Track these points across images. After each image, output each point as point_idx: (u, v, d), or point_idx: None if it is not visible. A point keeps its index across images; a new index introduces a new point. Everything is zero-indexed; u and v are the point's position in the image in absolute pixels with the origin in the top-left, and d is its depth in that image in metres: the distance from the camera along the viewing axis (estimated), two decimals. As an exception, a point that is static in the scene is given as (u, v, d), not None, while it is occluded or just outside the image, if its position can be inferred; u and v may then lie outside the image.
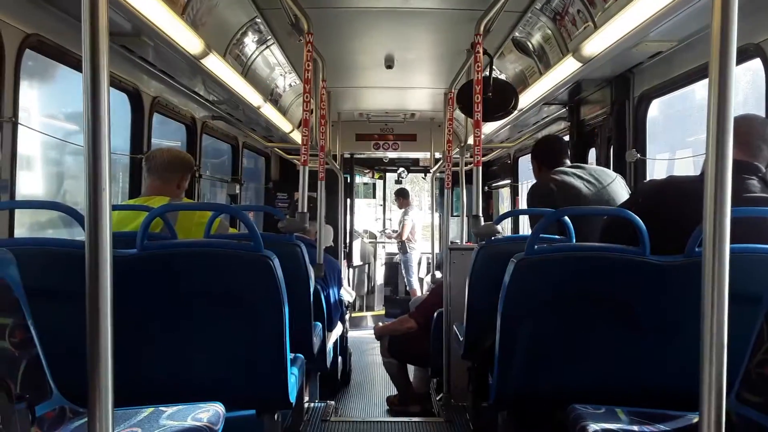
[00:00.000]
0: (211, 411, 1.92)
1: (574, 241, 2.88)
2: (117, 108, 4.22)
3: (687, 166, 4.26)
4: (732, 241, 1.18)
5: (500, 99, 3.98)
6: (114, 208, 1.17)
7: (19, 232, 3.41)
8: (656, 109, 4.43)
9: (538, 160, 3.99)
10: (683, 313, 2.15)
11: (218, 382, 2.38)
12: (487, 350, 2.67)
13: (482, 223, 3.31)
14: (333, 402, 4.82)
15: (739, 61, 3.05)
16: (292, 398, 2.52)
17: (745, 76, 3.40)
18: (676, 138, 5.12)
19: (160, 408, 1.94)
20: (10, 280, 1.75)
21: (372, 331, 6.24)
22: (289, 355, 2.44)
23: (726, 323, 1.15)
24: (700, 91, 4.12)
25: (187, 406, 1.95)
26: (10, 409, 1.52)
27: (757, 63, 2.97)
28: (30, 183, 4.14)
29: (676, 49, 3.66)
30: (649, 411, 2.03)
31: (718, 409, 1.15)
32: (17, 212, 3.13)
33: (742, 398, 1.81)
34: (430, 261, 8.28)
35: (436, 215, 8.41)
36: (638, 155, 4.16)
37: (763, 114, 2.89)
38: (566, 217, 2.97)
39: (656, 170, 4.38)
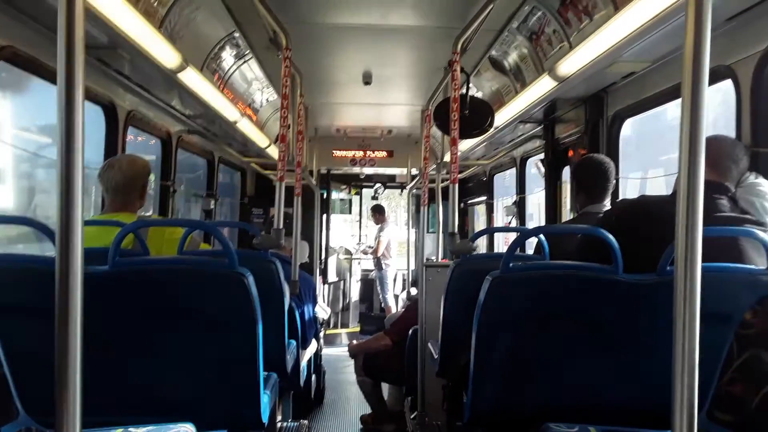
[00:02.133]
0: (181, 431, 1.89)
1: (548, 259, 2.90)
2: (91, 121, 4.18)
3: (659, 186, 4.33)
4: (703, 261, 1.19)
5: (477, 117, 4.01)
6: (85, 223, 1.14)
7: (-12, 246, 3.35)
8: (629, 128, 4.50)
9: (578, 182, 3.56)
10: (656, 331, 2.17)
11: (190, 401, 2.34)
12: (462, 368, 2.66)
13: (458, 240, 3.31)
14: (306, 421, 4.77)
15: (711, 82, 3.11)
16: (265, 418, 2.48)
17: (716, 97, 3.46)
18: (649, 157, 5.20)
19: (130, 429, 1.90)
20: (-24, 297, 1.71)
21: (347, 349, 6.21)
22: (263, 374, 2.41)
23: (697, 342, 1.16)
24: (672, 111, 4.19)
25: (157, 426, 1.91)
26: (-26, 429, 1.48)
27: (728, 84, 3.03)
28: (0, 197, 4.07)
29: (649, 70, 3.74)
30: (622, 429, 2.04)
31: (689, 428, 1.15)
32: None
33: (713, 417, 1.83)
34: (406, 278, 8.27)
35: (412, 231, 8.42)
36: (612, 174, 4.21)
37: (732, 134, 2.95)
38: (542, 236, 2.99)
39: (629, 189, 4.44)
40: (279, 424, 4.18)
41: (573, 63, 3.71)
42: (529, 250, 3.79)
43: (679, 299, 1.16)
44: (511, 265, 2.28)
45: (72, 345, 1.10)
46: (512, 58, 4.77)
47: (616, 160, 4.36)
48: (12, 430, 1.73)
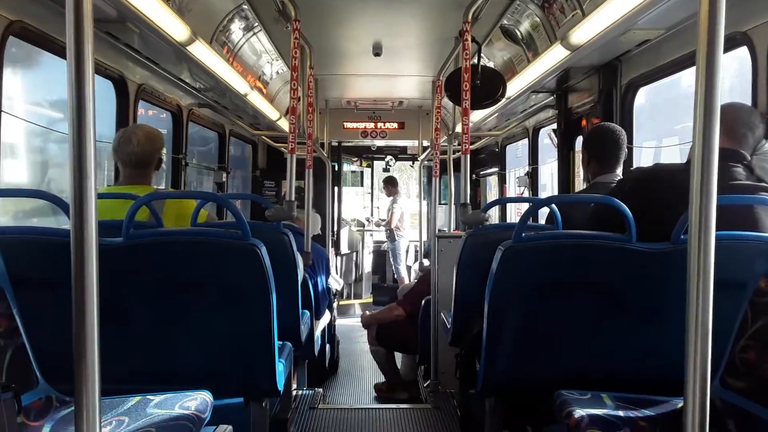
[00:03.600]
0: (198, 399, 1.92)
1: (561, 228, 2.89)
2: (102, 95, 4.18)
3: (673, 154, 4.29)
4: (718, 229, 1.19)
5: (488, 87, 3.98)
6: (98, 196, 1.15)
7: (3, 220, 3.38)
8: (643, 97, 4.45)
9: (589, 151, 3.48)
10: (669, 299, 2.16)
11: (206, 370, 2.38)
12: (475, 337, 2.68)
13: (470, 211, 3.31)
14: (321, 389, 4.84)
15: (726, 50, 3.06)
16: (280, 386, 2.52)
17: (732, 65, 3.41)
18: (664, 126, 5.14)
19: (147, 396, 1.93)
20: (-6, 269, 1.73)
21: (360, 319, 6.25)
22: (277, 343, 2.44)
23: (711, 309, 1.16)
24: (686, 79, 4.13)
25: (174, 394, 1.94)
26: (-4, 398, 1.51)
27: (743, 51, 2.98)
28: (14, 171, 4.10)
29: (664, 38, 3.68)
30: (635, 396, 2.05)
31: (702, 395, 1.16)
32: (1, 201, 3.09)
33: (726, 384, 1.83)
34: (418, 249, 8.30)
35: (424, 203, 8.41)
36: (625, 143, 4.17)
37: (749, 102, 2.91)
38: (554, 206, 2.98)
39: (643, 158, 4.40)
40: (294, 392, 4.24)
41: (586, 31, 3.66)
42: (542, 220, 3.77)
43: (693, 267, 1.16)
44: (523, 235, 2.28)
45: (89, 315, 1.12)
46: (524, 27, 4.70)
47: (630, 129, 4.32)
48: (32, 398, 1.77)
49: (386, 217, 11.09)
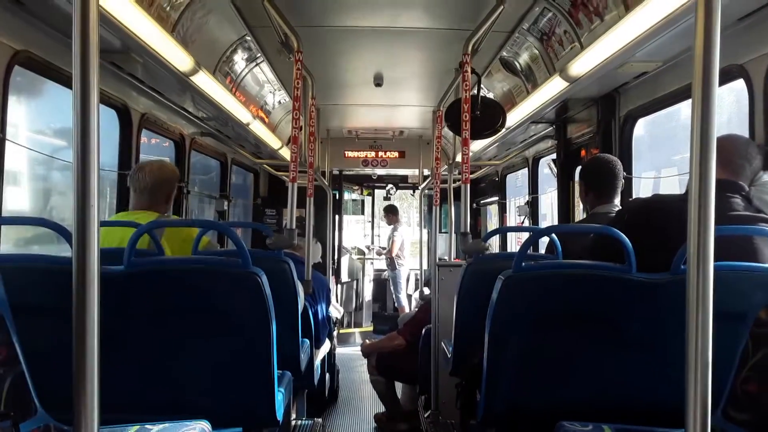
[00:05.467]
0: (197, 429, 1.91)
1: (561, 258, 2.90)
2: (105, 124, 4.20)
3: (672, 185, 4.30)
4: (716, 259, 1.19)
5: (488, 117, 4.01)
6: (101, 224, 1.16)
7: (5, 248, 3.39)
8: (642, 128, 4.48)
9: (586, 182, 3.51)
10: (669, 330, 2.16)
11: (205, 399, 2.37)
12: (475, 367, 2.67)
13: (471, 240, 3.32)
14: (320, 420, 4.79)
15: (723, 82, 3.10)
16: (280, 416, 2.51)
17: (729, 96, 3.44)
18: (661, 157, 5.17)
19: (146, 426, 1.92)
20: (-5, 297, 1.73)
21: (359, 348, 6.22)
22: (277, 372, 2.43)
23: (711, 340, 1.16)
24: (685, 110, 4.17)
25: (173, 424, 1.93)
26: (-6, 427, 1.51)
27: (740, 83, 3.01)
28: (16, 199, 4.11)
29: (661, 70, 3.72)
30: (636, 428, 2.04)
31: (703, 427, 1.15)
32: (3, 228, 3.10)
33: (728, 416, 1.82)
34: (419, 277, 8.28)
35: (424, 232, 8.42)
36: (624, 173, 4.19)
37: (746, 134, 2.93)
38: (554, 235, 2.99)
39: (642, 189, 4.42)
40: (293, 422, 4.20)
41: (584, 63, 3.70)
42: (543, 250, 3.78)
43: (692, 298, 1.17)
44: (523, 264, 2.29)
45: (89, 343, 1.12)
46: (523, 58, 4.76)
47: (629, 159, 4.35)
48: (30, 426, 1.76)
49: (387, 246, 11.09)
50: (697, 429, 1.16)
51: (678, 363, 2.06)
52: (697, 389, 1.16)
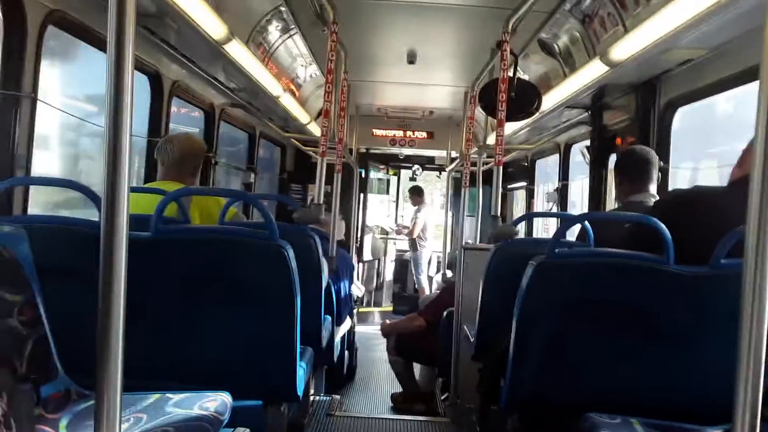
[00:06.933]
0: (218, 400, 1.89)
1: (594, 247, 2.82)
2: (136, 90, 4.19)
3: (712, 178, 4.19)
4: None
5: (523, 100, 3.93)
6: (130, 190, 1.13)
7: (33, 211, 3.40)
8: (678, 120, 4.35)
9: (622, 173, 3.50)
10: (705, 326, 2.09)
11: (226, 370, 2.35)
12: (500, 352, 2.62)
13: (501, 223, 3.26)
14: (338, 396, 4.79)
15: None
16: (300, 391, 2.48)
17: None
18: (699, 149, 5.04)
19: (167, 395, 1.90)
20: (21, 258, 1.71)
21: (379, 327, 6.21)
22: (299, 347, 2.40)
23: (765, 338, 1.10)
24: (723, 102, 4.05)
25: (193, 394, 1.91)
26: (15, 388, 1.49)
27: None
28: (45, 162, 4.12)
29: (706, 58, 3.59)
30: (666, 423, 1.97)
31: (751, 427, 1.09)
32: (31, 190, 3.11)
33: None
34: (441, 260, 8.23)
35: (449, 214, 8.34)
36: (662, 163, 4.08)
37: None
38: (587, 223, 2.91)
39: (678, 180, 4.31)
40: (312, 398, 4.20)
41: (627, 47, 3.59)
42: (570, 238, 3.70)
43: (748, 292, 1.09)
44: (556, 251, 2.22)
45: (115, 309, 1.09)
46: (562, 40, 4.65)
47: (667, 149, 4.23)
48: (51, 390, 1.74)
49: (409, 226, 11.03)
50: (745, 428, 1.10)
51: (713, 359, 1.99)
52: (748, 389, 1.09)
